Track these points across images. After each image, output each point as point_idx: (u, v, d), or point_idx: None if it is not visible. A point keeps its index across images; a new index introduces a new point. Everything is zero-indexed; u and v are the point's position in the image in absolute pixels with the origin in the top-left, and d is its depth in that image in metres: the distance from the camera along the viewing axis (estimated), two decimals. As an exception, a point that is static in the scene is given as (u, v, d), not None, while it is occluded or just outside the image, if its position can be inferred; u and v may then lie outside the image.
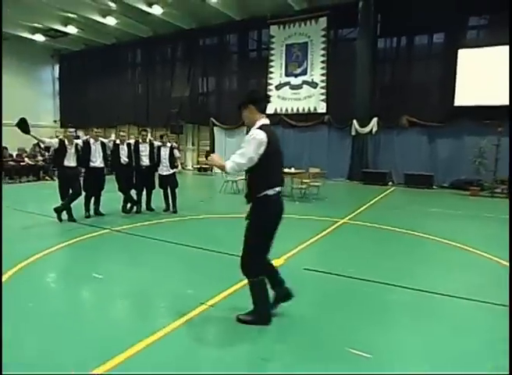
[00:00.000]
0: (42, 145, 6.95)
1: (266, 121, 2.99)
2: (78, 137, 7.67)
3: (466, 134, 12.63)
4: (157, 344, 2.76)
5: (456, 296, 3.82)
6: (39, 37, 19.09)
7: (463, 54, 12.31)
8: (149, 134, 7.70)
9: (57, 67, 23.33)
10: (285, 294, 3.21)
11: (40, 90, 22.55)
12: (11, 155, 12.86)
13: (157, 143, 7.66)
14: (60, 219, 6.68)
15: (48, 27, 17.86)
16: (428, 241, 6.06)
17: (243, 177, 11.65)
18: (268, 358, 2.63)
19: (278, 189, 2.97)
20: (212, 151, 18.14)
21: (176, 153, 7.76)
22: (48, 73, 23.28)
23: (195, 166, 18.09)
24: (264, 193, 2.88)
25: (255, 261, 2.97)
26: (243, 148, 2.82)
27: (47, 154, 14.65)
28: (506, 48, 11.58)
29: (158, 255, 5.13)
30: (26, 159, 13.00)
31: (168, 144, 7.62)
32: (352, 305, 3.63)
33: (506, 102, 11.41)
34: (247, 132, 13.22)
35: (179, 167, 7.99)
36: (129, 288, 3.91)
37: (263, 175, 2.88)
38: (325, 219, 7.32)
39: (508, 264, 4.68)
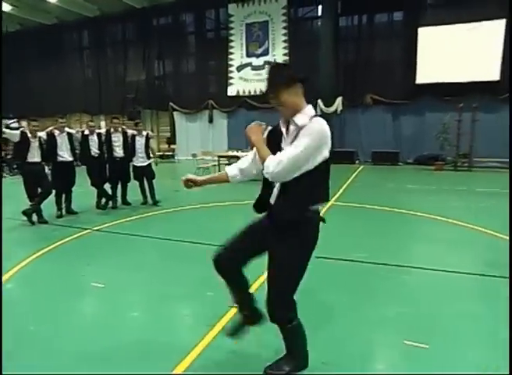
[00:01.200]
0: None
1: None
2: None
3: (428, 111, 13.05)
4: (200, 360, 2.47)
5: (472, 273, 3.85)
6: (-34, 17, 17.04)
7: (422, 32, 12.56)
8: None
9: (-10, 51, 21.08)
10: (256, 317, 2.39)
11: (-28, 77, 20.28)
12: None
13: (130, 132, 7.07)
14: (32, 222, 6.00)
15: (-25, 5, 15.96)
16: (419, 218, 6.15)
17: (216, 163, 11.30)
18: (327, 361, 2.44)
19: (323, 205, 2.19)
20: (173, 137, 17.46)
21: (151, 143, 7.25)
22: (-20, 57, 20.99)
23: (157, 154, 17.26)
24: (314, 208, 2.08)
25: (292, 298, 2.19)
26: (293, 149, 1.93)
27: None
28: (463, 25, 11.95)
29: (155, 255, 4.75)
30: (-32, 156, 11.65)
31: (144, 133, 7.08)
32: (378, 291, 3.52)
33: (465, 79, 11.87)
34: (210, 117, 12.73)
35: (155, 157, 7.54)
36: (139, 297, 3.53)
37: (315, 185, 2.03)
38: (313, 203, 7.21)
39: (508, 238, 4.82)
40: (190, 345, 2.61)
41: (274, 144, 2.10)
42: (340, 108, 14.27)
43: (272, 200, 2.13)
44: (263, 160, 1.98)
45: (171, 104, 17.07)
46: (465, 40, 11.90)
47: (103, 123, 16.38)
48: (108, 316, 3.17)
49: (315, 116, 2.02)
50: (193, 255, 4.64)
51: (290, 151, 1.92)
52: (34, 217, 6.12)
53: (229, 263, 2.21)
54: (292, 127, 2.05)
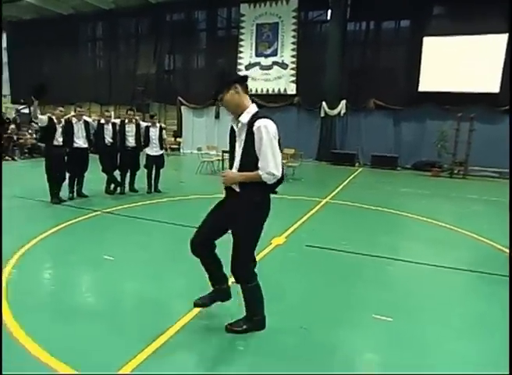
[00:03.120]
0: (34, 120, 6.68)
1: (257, 108, 2.56)
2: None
3: (428, 118, 13.42)
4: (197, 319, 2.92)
5: (446, 266, 4.27)
6: (-16, 2, 17.47)
7: (427, 41, 12.93)
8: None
9: (4, 36, 21.51)
10: (225, 294, 2.85)
11: (-16, 60, 20.73)
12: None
13: (144, 123, 7.54)
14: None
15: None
16: (408, 219, 6.56)
17: (220, 158, 11.74)
18: (307, 327, 2.88)
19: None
20: (180, 131, 17.89)
21: (164, 134, 7.71)
22: (-5, 41, 21.43)
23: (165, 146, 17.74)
24: (262, 192, 2.56)
25: (249, 261, 2.68)
26: (269, 154, 2.42)
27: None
28: (467, 37, 12.33)
29: (160, 236, 5.20)
30: (-18, 138, 12.11)
31: (158, 125, 7.56)
32: (361, 276, 3.95)
33: (466, 89, 12.25)
34: (217, 113, 13.50)
35: (168, 149, 8.02)
36: (146, 269, 3.97)
37: None
38: (310, 199, 7.63)
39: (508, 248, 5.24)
40: (186, 309, 3.03)
41: (232, 139, 2.64)
42: (343, 111, 14.67)
43: (237, 187, 2.57)
44: (259, 178, 2.45)
45: (179, 98, 17.48)
46: (468, 51, 12.27)
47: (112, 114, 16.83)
48: (118, 282, 3.61)
49: (256, 114, 2.49)
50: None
51: (268, 157, 2.42)
52: (48, 197, 6.57)
53: (202, 246, 2.71)
54: (240, 125, 2.53)
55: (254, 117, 2.46)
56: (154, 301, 3.24)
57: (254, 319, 2.76)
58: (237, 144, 2.59)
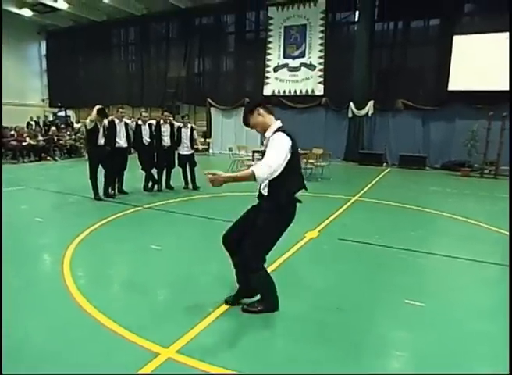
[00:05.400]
0: (79, 125, 7.19)
1: (280, 124, 2.86)
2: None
3: (458, 118, 13.28)
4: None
5: (474, 259, 4.39)
6: (26, 12, 18.55)
7: (458, 40, 12.82)
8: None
9: (44, 44, 22.70)
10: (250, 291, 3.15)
11: (26, 68, 21.95)
12: (12, 135, 12.72)
13: (177, 124, 7.94)
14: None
15: (36, 1, 17.33)
16: (437, 216, 6.64)
17: (250, 157, 12.08)
18: (343, 308, 3.12)
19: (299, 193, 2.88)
20: (209, 131, 18.35)
21: (195, 135, 8.10)
22: (35, 50, 22.63)
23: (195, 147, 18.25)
24: (287, 197, 2.81)
25: (263, 254, 2.94)
26: (271, 156, 2.60)
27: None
28: (499, 35, 12.16)
29: (197, 228, 5.53)
30: (27, 139, 12.91)
31: (189, 125, 7.95)
32: (393, 267, 4.14)
33: (497, 87, 12.07)
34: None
35: (200, 148, 8.43)
36: (189, 256, 4.31)
37: (289, 179, 2.76)
38: (339, 197, 7.82)
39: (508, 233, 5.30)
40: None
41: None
42: (371, 111, 14.70)
43: (263, 190, 2.87)
44: (249, 177, 2.53)
45: (208, 100, 17.94)
46: (499, 48, 12.08)
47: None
48: (169, 267, 3.96)
49: (278, 129, 2.79)
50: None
51: (266, 158, 2.61)
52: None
53: (230, 243, 3.08)
54: (265, 140, 2.88)
55: (275, 131, 2.78)
56: (203, 283, 3.55)
57: (266, 301, 3.05)
58: None
